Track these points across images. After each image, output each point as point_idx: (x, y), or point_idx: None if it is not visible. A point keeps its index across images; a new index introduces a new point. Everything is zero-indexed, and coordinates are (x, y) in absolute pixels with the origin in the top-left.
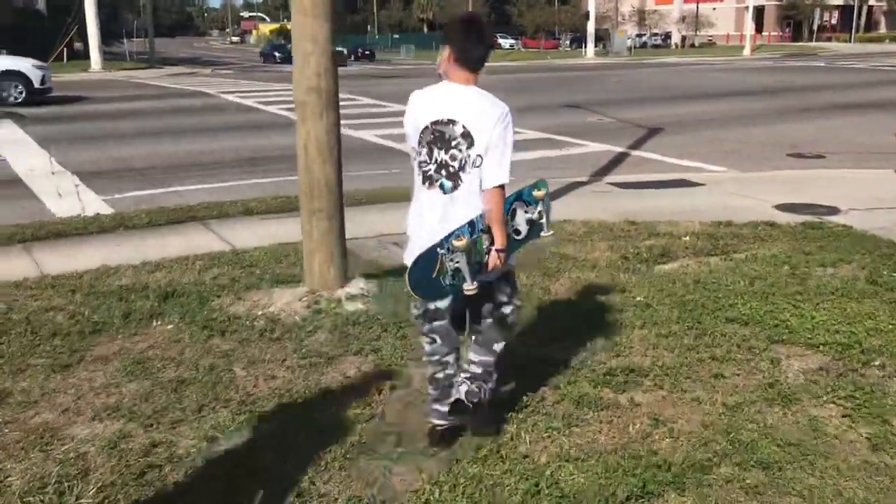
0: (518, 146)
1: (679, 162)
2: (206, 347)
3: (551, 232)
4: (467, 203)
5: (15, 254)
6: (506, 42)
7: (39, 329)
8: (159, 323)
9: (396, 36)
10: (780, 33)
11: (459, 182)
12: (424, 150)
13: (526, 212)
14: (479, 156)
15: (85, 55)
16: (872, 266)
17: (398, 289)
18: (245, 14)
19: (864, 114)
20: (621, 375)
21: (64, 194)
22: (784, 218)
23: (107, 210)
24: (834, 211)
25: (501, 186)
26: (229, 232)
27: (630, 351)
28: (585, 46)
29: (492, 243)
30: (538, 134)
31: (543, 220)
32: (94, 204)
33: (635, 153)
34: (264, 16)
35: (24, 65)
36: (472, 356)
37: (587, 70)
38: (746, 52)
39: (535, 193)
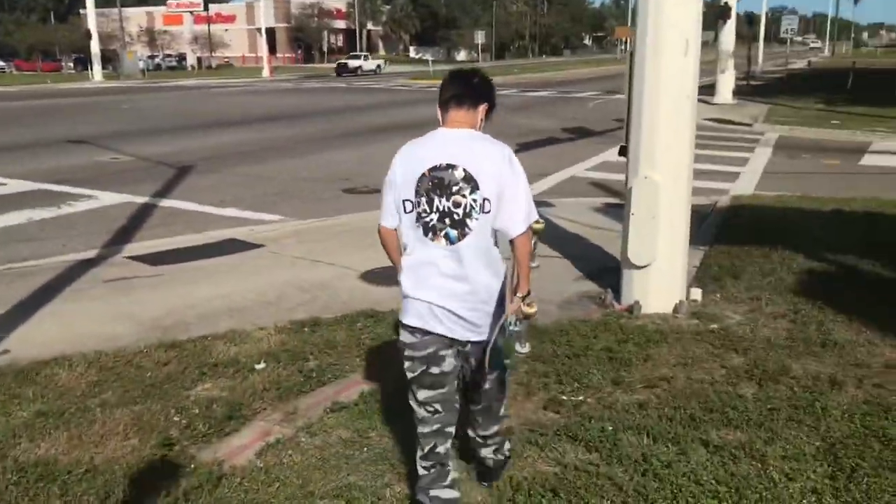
0: None
1: (222, 212)
2: None
3: None
4: (486, 262)
5: None
6: None
7: None
8: None
9: None
10: (293, 55)
11: (467, 230)
12: (424, 200)
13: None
14: (487, 199)
15: None
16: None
17: None
18: None
19: (404, 135)
20: None
21: None
22: (382, 296)
23: None
24: None
25: (526, 232)
26: None
27: None
28: (92, 69)
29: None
30: (26, 185)
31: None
32: None
33: (164, 203)
34: None
35: None
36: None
37: (97, 95)
38: (266, 73)
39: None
